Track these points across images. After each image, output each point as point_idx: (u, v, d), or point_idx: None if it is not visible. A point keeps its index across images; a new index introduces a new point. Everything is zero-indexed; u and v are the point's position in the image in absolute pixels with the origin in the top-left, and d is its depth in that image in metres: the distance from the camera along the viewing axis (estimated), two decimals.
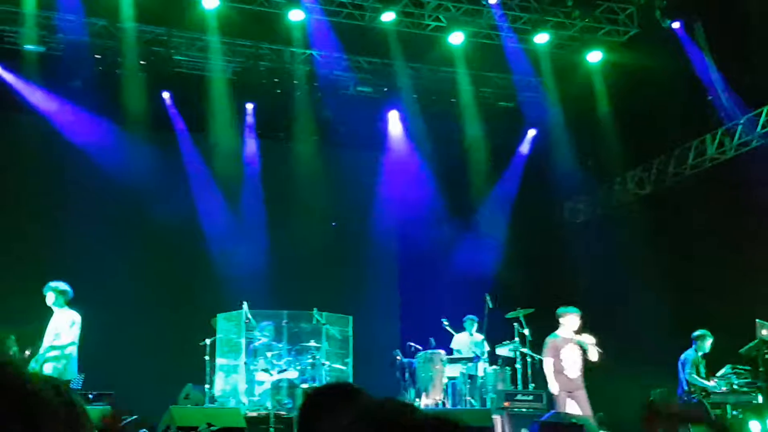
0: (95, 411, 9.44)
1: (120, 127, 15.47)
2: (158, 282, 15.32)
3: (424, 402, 13.18)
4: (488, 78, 16.90)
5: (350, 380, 14.18)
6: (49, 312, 10.35)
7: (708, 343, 12.20)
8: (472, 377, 13.45)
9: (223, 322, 13.51)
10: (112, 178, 15.03)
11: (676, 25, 14.48)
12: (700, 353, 12.19)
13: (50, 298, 10.32)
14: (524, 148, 17.85)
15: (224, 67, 15.74)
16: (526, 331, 13.35)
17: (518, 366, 13.40)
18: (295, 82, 16.11)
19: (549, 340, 11.47)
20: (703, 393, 11.94)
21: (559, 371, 11.28)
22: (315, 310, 13.84)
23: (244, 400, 13.06)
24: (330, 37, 15.37)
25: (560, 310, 11.54)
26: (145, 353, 14.30)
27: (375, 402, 1.51)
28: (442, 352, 13.66)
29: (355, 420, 1.42)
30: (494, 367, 13.65)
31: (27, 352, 10.83)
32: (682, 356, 12.25)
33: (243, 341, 13.34)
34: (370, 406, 1.45)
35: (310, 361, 13.33)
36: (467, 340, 14.21)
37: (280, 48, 15.88)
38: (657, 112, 15.06)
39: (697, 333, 12.30)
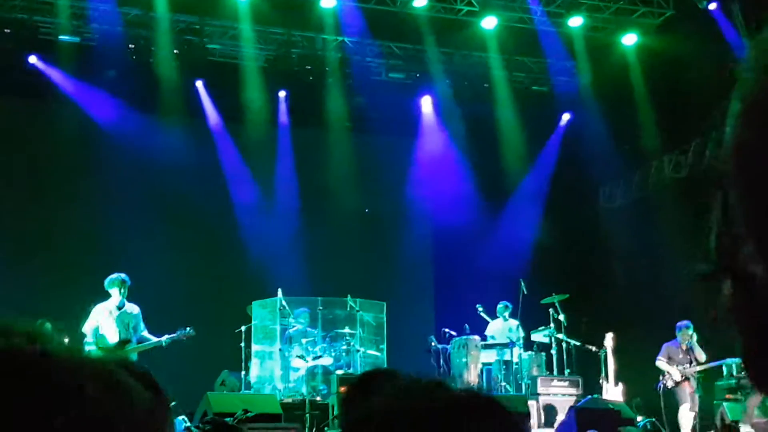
0: None
1: (154, 115, 15.55)
2: (194, 270, 15.42)
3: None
4: (522, 62, 16.77)
5: (385, 366, 14.21)
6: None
7: (688, 335, 12.01)
8: (507, 363, 13.43)
9: (258, 309, 13.61)
10: (146, 167, 15.13)
11: (712, 6, 14.26)
12: (681, 344, 12.08)
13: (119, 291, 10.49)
14: (562, 123, 17.65)
15: (257, 55, 15.77)
16: (562, 317, 13.30)
17: (554, 352, 13.37)
18: (327, 69, 16.10)
19: None
20: (672, 380, 11.85)
21: None
22: (349, 297, 13.87)
23: (280, 386, 13.15)
24: (361, 23, 15.34)
25: None
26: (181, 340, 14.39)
27: (412, 379, 1.53)
28: (477, 337, 13.65)
29: (393, 396, 1.44)
30: (529, 352, 13.61)
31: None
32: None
33: (278, 328, 13.42)
34: (407, 383, 1.48)
35: (345, 347, 13.39)
36: (501, 326, 14.17)
37: (312, 35, 15.87)
38: (693, 95, 14.84)
39: (681, 323, 12.13)
